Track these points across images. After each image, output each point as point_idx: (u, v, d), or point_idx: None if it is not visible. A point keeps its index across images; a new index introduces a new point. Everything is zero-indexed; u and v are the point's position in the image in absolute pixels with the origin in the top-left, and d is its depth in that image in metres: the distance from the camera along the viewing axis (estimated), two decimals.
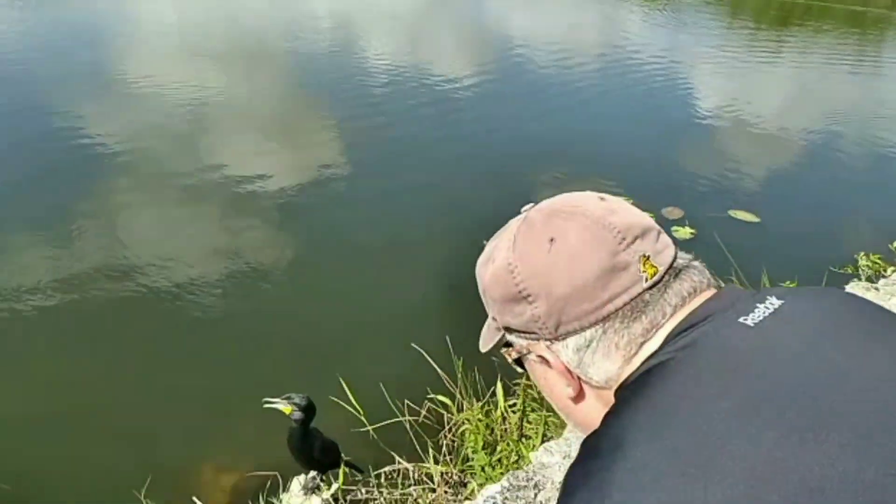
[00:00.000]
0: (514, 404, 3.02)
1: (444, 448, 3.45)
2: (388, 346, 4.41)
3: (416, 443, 3.46)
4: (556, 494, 1.62)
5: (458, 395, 3.61)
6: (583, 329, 0.90)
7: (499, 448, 2.83)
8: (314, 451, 3.01)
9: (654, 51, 12.26)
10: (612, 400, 0.90)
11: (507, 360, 1.02)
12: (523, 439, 2.74)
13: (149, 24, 13.20)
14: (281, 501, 3.21)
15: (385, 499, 3.14)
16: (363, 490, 3.28)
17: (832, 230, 6.43)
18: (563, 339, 0.92)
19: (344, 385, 3.41)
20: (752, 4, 19.25)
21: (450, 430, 3.60)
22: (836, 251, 5.73)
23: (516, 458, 2.63)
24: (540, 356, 0.94)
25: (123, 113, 8.22)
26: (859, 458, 0.72)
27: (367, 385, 3.73)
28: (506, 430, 2.93)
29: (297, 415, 2.93)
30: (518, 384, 3.09)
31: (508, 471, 2.06)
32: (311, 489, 3.18)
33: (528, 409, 2.90)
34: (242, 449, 3.81)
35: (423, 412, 3.70)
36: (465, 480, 3.20)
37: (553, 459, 1.68)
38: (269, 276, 5.39)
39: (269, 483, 3.29)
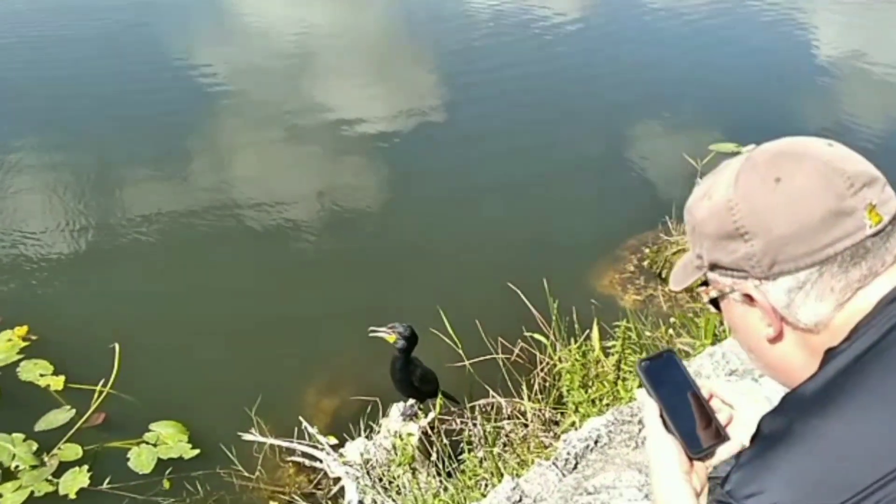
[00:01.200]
0: (612, 346, 3.04)
1: (535, 387, 3.52)
2: (485, 284, 4.48)
3: (508, 380, 3.54)
4: None
5: (552, 336, 3.65)
6: (798, 270, 0.91)
7: (594, 387, 2.87)
8: (414, 379, 3.14)
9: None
10: (819, 349, 0.92)
11: (703, 299, 1.04)
12: (620, 381, 2.77)
13: None
14: (381, 425, 3.38)
15: (479, 430, 3.25)
16: (458, 420, 3.41)
17: None
18: (775, 278, 0.92)
19: (444, 318, 3.49)
20: None
21: (542, 369, 3.66)
22: None
23: (611, 398, 2.67)
24: (746, 295, 0.95)
25: (230, 50, 8.44)
26: None
27: (464, 321, 3.80)
28: (602, 371, 2.96)
29: (401, 343, 3.05)
30: (618, 326, 3.10)
31: (606, 409, 2.11)
32: (410, 416, 3.33)
33: (627, 351, 2.92)
34: (346, 374, 4.00)
35: (517, 351, 3.77)
36: (556, 419, 3.27)
37: None
38: (375, 212, 5.53)
39: (369, 408, 3.46)
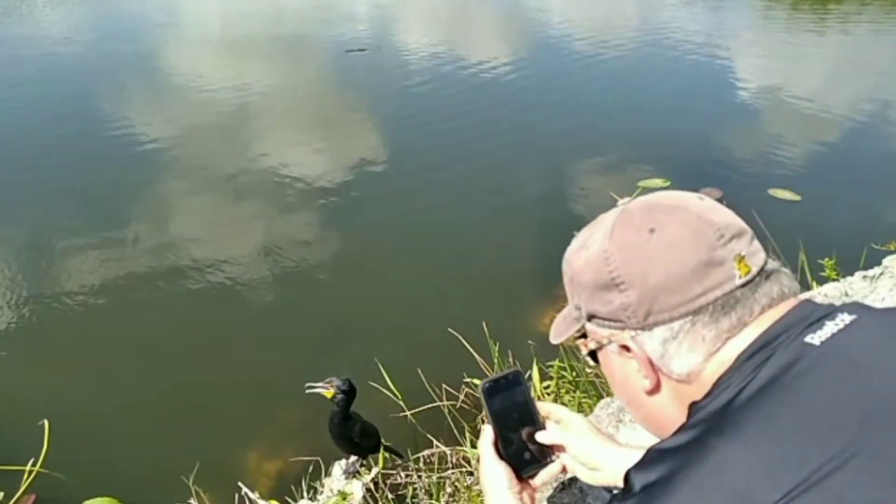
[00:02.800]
0: (548, 386, 3.04)
1: (468, 435, 3.48)
2: (425, 332, 4.46)
3: (454, 427, 3.50)
4: None
5: (478, 381, 3.63)
6: (672, 320, 0.92)
7: None
8: (354, 435, 3.07)
9: (690, 30, 12.05)
10: (688, 399, 0.92)
11: (581, 351, 1.05)
12: None
13: (192, 18, 13.46)
14: (323, 486, 3.29)
15: (424, 482, 3.19)
16: (402, 474, 3.34)
17: (876, 207, 6.28)
18: (651, 329, 0.93)
19: (382, 370, 3.46)
20: None
21: (482, 415, 3.63)
22: (879, 228, 5.60)
23: None
24: (622, 346, 0.96)
25: (169, 109, 8.42)
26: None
27: (404, 370, 3.77)
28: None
29: (339, 397, 2.99)
30: (552, 366, 3.11)
31: None
32: (352, 473, 3.25)
33: (563, 391, 2.92)
34: (286, 434, 3.91)
35: (462, 396, 3.74)
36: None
37: None
38: (309, 267, 5.50)
39: (311, 468, 3.38)
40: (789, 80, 9.57)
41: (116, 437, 4.10)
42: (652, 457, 0.86)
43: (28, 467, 3.79)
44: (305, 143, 7.58)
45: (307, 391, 3.04)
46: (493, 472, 1.24)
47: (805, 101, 8.76)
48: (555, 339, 1.11)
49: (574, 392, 2.89)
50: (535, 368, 3.42)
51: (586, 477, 1.30)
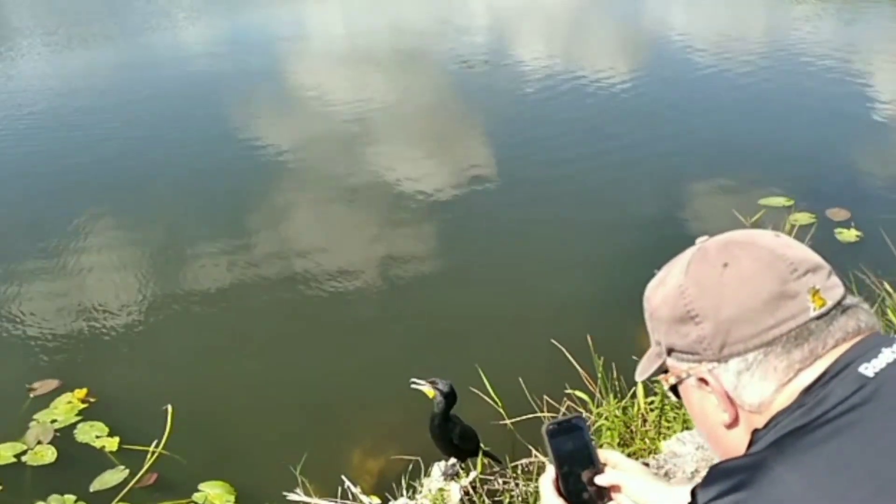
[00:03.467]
0: (653, 402, 2.99)
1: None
2: (529, 342, 4.47)
3: None
4: (685, 484, 1.61)
5: (598, 394, 3.60)
6: (746, 351, 0.95)
7: (636, 443, 2.81)
8: (453, 437, 3.12)
9: (824, 47, 11.45)
10: (757, 426, 0.95)
11: (664, 386, 1.09)
12: (659, 437, 2.71)
13: (316, 32, 14.07)
14: (422, 485, 3.35)
15: (521, 490, 3.20)
16: (500, 480, 3.36)
17: None
18: (726, 360, 0.96)
19: (483, 376, 3.49)
20: None
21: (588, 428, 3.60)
22: None
23: (647, 455, 2.61)
24: (700, 379, 1.00)
25: (290, 124, 8.82)
26: None
27: (506, 378, 3.79)
28: (642, 428, 2.90)
29: (439, 399, 3.05)
30: (657, 381, 3.04)
31: (639, 458, 2.07)
32: (451, 476, 3.30)
33: (668, 407, 2.86)
34: (389, 433, 4.01)
35: (563, 409, 3.72)
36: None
37: (685, 449, 1.68)
38: (419, 274, 5.63)
39: (411, 467, 3.45)
40: None
41: (232, 426, 4.33)
42: (714, 475, 0.90)
43: (151, 448, 4.11)
44: (420, 156, 7.75)
45: (411, 385, 3.12)
46: None
47: None
48: (640, 376, 1.14)
49: (679, 409, 2.82)
50: (640, 386, 3.37)
51: None
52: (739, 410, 0.97)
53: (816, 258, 0.99)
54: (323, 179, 7.31)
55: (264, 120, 8.88)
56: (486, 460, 3.38)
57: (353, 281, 5.53)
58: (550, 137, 7.95)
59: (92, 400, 4.44)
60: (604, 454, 1.39)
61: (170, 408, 4.26)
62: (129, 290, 5.65)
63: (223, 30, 14.44)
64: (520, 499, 3.15)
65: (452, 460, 3.32)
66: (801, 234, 4.91)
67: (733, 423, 0.98)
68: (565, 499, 1.33)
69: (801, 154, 7.30)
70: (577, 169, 7.18)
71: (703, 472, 1.63)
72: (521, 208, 6.51)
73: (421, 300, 5.29)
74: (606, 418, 3.18)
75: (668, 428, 2.73)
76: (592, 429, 2.80)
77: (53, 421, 4.28)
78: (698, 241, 1.06)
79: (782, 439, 0.89)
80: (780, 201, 5.98)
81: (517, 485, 3.24)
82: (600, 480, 1.32)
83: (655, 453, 1.99)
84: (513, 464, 3.36)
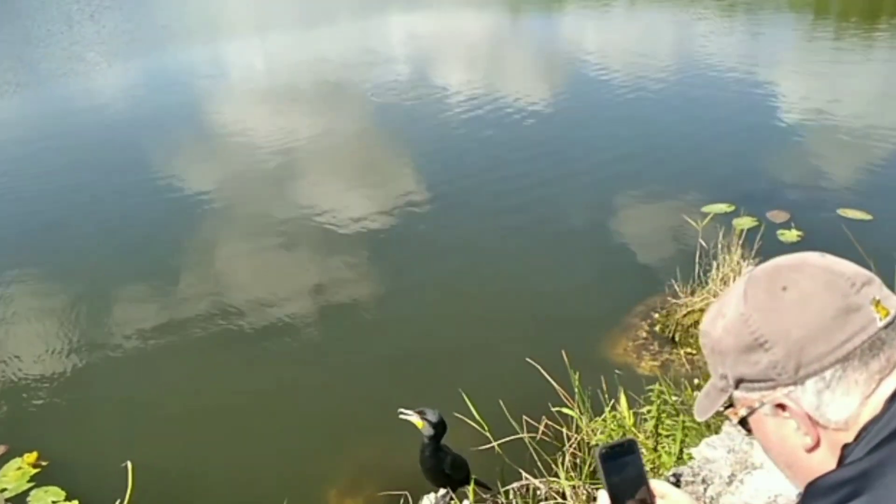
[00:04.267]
0: (647, 412, 2.98)
1: (566, 464, 3.42)
2: (503, 364, 4.43)
3: (537, 459, 3.44)
4: (724, 489, 1.60)
5: (577, 409, 3.58)
6: (823, 369, 0.94)
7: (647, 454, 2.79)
8: (445, 467, 3.05)
9: (733, 60, 11.96)
10: (841, 443, 0.95)
11: (732, 420, 1.06)
12: (659, 447, 2.70)
13: (235, 70, 13.86)
14: None
15: None
16: None
17: None
18: (803, 382, 0.95)
19: (467, 401, 3.42)
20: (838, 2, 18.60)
21: (571, 444, 3.56)
22: None
23: (650, 465, 2.59)
24: (777, 406, 0.98)
25: (212, 159, 8.62)
26: None
27: (485, 403, 3.73)
28: (644, 438, 2.89)
29: (428, 430, 2.98)
30: (652, 390, 3.05)
31: (664, 470, 2.04)
32: None
33: (664, 415, 2.86)
34: (372, 470, 3.90)
35: (542, 428, 3.69)
36: (595, 495, 3.16)
37: (717, 454, 1.66)
38: (387, 303, 5.53)
39: (401, 502, 3.34)
40: (840, 100, 9.43)
41: (199, 478, 4.13)
42: (816, 492, 0.91)
43: None
44: (355, 186, 7.66)
45: (400, 416, 3.03)
46: None
47: (859, 119, 8.61)
48: (701, 416, 1.12)
49: (676, 416, 2.83)
50: (622, 396, 3.37)
51: None
52: (821, 431, 0.97)
53: (866, 271, 1.00)
54: (252, 217, 7.12)
55: (186, 160, 8.65)
56: (476, 488, 3.31)
57: (313, 317, 5.40)
58: (485, 161, 8.01)
59: (43, 463, 4.17)
60: (652, 484, 1.37)
61: (129, 464, 4.01)
62: (63, 341, 5.38)
63: (141, 71, 14.09)
64: None
65: (443, 491, 3.24)
66: (749, 237, 5.07)
67: (815, 446, 0.98)
68: None
69: (731, 162, 7.57)
70: (514, 187, 7.25)
71: (740, 476, 1.63)
72: (466, 230, 6.51)
73: (385, 331, 5.20)
74: (597, 433, 3.15)
75: (668, 436, 2.73)
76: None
77: (3, 490, 3.99)
78: (745, 271, 1.08)
79: (882, 445, 0.89)
80: (722, 207, 6.17)
81: None
82: None
83: (656, 464, 1.96)
84: (504, 488, 3.29)
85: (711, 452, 1.65)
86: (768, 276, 1.00)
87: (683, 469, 1.63)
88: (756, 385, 0.99)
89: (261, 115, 10.44)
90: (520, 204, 6.88)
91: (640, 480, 1.39)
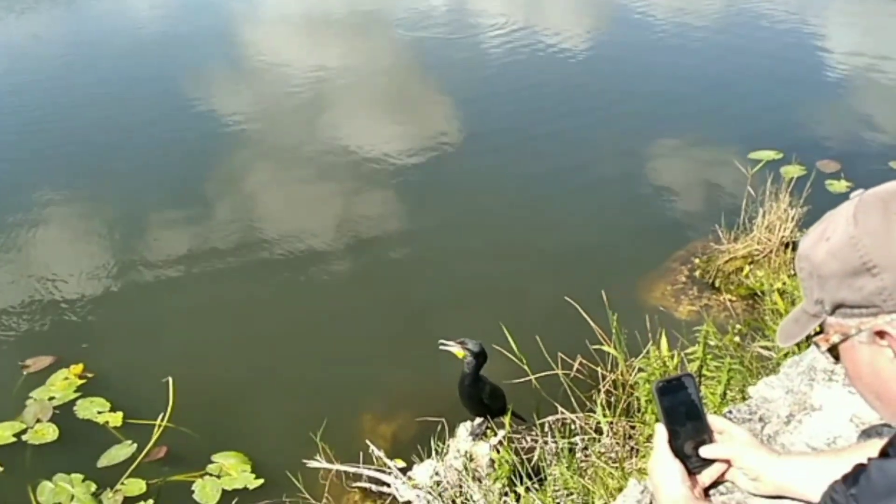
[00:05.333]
0: (692, 353, 2.98)
1: (601, 401, 3.45)
2: (541, 302, 4.45)
3: (571, 396, 3.47)
4: (782, 428, 1.60)
5: (613, 350, 3.60)
6: None
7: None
8: (484, 396, 3.10)
9: (781, 10, 11.46)
10: None
11: (820, 348, 1.04)
12: (703, 387, 2.71)
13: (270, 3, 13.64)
14: (448, 446, 3.32)
15: (551, 447, 3.19)
16: (528, 438, 3.34)
17: None
18: None
19: (507, 334, 3.44)
20: None
21: (606, 383, 3.59)
22: None
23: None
24: (877, 332, 0.95)
25: (248, 92, 8.53)
26: None
27: (520, 338, 3.74)
28: None
29: (469, 359, 3.01)
30: (698, 330, 3.03)
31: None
32: (479, 435, 3.27)
33: (709, 357, 2.86)
34: (409, 397, 3.97)
35: (576, 365, 3.71)
36: (629, 433, 3.20)
37: (775, 393, 1.66)
38: (425, 238, 5.51)
39: (439, 428, 3.41)
40: (884, 48, 9.04)
41: (237, 396, 4.22)
42: None
43: (157, 422, 4.00)
44: (402, 122, 7.56)
45: (440, 347, 3.06)
46: (669, 469, 1.32)
47: None
48: (786, 341, 1.10)
49: (721, 358, 2.82)
50: (663, 338, 3.37)
51: (747, 485, 1.37)
52: None
53: None
54: (284, 147, 7.05)
55: (219, 87, 8.57)
56: (512, 419, 3.35)
57: (360, 246, 5.42)
58: (522, 100, 7.82)
59: (89, 375, 4.30)
60: (710, 419, 1.40)
61: (170, 380, 4.14)
62: (107, 264, 5.45)
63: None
64: (550, 454, 3.13)
65: (479, 420, 3.29)
66: (797, 186, 4.95)
67: None
68: (678, 452, 1.35)
69: (780, 110, 7.34)
70: (554, 129, 7.07)
71: (798, 417, 1.62)
72: (504, 169, 6.41)
73: (424, 266, 5.19)
74: (638, 371, 3.17)
75: (713, 377, 2.73)
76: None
77: (51, 398, 4.13)
78: (853, 195, 1.02)
79: None
80: (769, 154, 6.02)
81: (546, 442, 3.23)
82: (705, 453, 1.36)
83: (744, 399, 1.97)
84: (540, 421, 3.34)
85: (770, 392, 1.64)
86: (881, 199, 0.97)
87: (741, 407, 1.63)
88: (856, 311, 0.96)
89: (294, 44, 10.28)
90: (559, 146, 6.75)
91: (697, 414, 1.39)
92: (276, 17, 11.93)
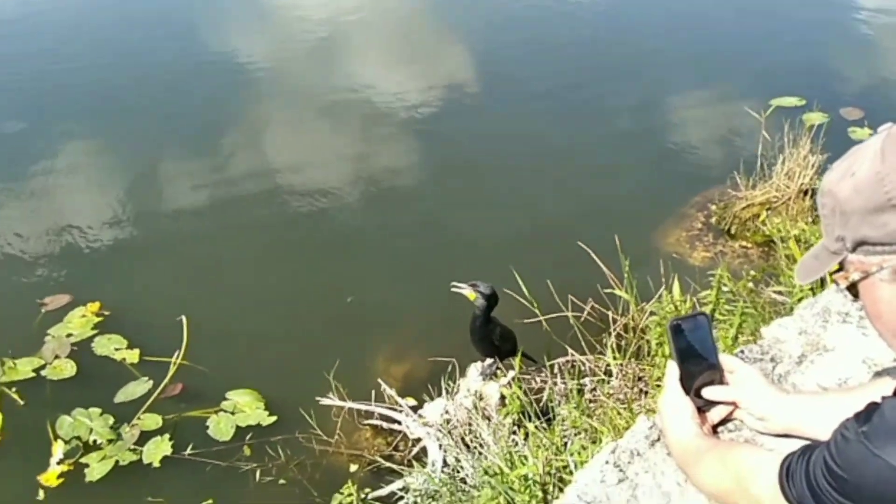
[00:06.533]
0: (705, 297, 2.97)
1: (611, 344, 3.46)
2: (552, 246, 4.43)
3: (581, 339, 3.49)
4: (793, 368, 1.59)
5: (624, 294, 3.59)
6: None
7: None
8: (494, 338, 3.12)
9: None
10: None
11: (839, 285, 1.03)
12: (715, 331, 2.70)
13: None
14: (458, 386, 3.36)
15: (560, 388, 3.21)
16: (538, 379, 3.37)
17: None
18: None
19: (518, 278, 3.44)
20: None
21: (616, 327, 3.60)
22: None
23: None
24: None
25: (261, 35, 8.37)
26: None
27: (532, 282, 3.74)
28: None
29: (480, 302, 3.02)
30: (713, 274, 3.02)
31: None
32: (489, 375, 3.30)
33: (722, 301, 2.85)
34: (421, 337, 4.00)
35: (587, 309, 3.72)
36: (640, 375, 3.21)
37: (788, 334, 1.65)
38: (432, 182, 5.45)
39: (449, 367, 3.44)
40: None
41: (251, 335, 4.26)
42: None
43: (173, 359, 4.06)
44: (415, 66, 7.40)
45: (452, 289, 3.07)
46: (678, 405, 1.35)
47: None
48: (805, 278, 1.08)
49: (735, 302, 2.81)
50: (675, 282, 3.35)
51: (755, 424, 1.38)
52: None
53: None
54: (299, 91, 6.95)
55: (232, 29, 8.43)
56: (522, 360, 3.38)
57: (365, 190, 5.38)
58: (539, 52, 7.61)
59: (106, 313, 4.34)
60: (722, 358, 1.42)
61: (184, 319, 4.19)
62: (121, 206, 5.45)
63: None
64: (559, 395, 3.16)
65: (489, 360, 3.32)
66: (816, 133, 4.86)
67: None
68: (688, 388, 1.37)
69: (803, 56, 7.13)
70: (569, 75, 6.89)
71: (811, 357, 1.61)
72: (519, 114, 6.28)
73: (435, 212, 5.14)
74: (651, 314, 3.17)
75: (725, 321, 2.73)
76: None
77: (69, 335, 4.19)
78: (881, 129, 0.99)
79: None
80: (791, 101, 5.88)
81: (555, 382, 3.26)
82: (709, 395, 1.38)
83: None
84: (550, 363, 3.36)
85: (782, 332, 1.63)
86: None
87: (752, 347, 1.62)
88: (879, 248, 0.94)
89: None
90: (575, 91, 6.59)
91: (710, 353, 1.39)
92: None
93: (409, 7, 9.15)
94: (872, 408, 0.92)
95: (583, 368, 3.34)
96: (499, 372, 3.35)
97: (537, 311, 3.42)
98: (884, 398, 0.92)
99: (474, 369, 3.34)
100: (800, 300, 2.39)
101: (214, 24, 8.50)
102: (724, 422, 1.42)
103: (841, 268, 1.02)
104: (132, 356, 4.09)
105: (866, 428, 0.90)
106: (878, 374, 1.42)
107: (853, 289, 1.01)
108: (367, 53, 7.78)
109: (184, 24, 8.60)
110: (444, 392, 3.32)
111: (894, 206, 0.91)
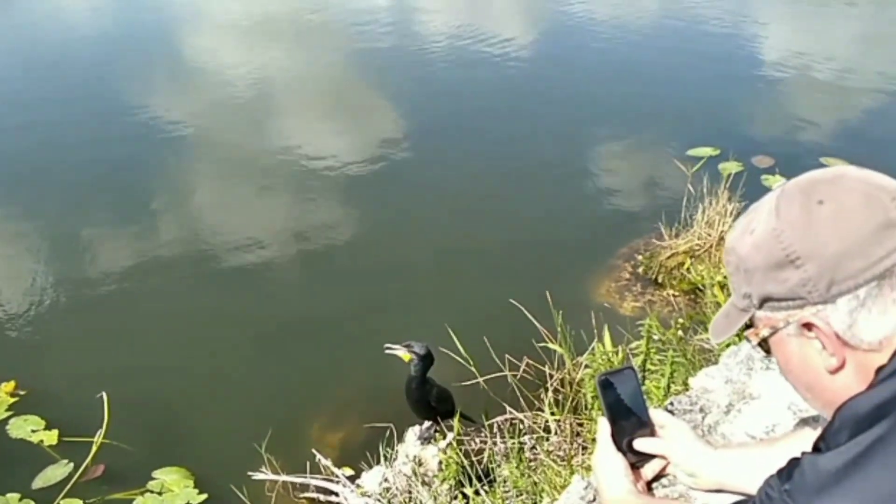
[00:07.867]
0: (636, 347, 3.00)
1: (549, 399, 3.45)
2: (485, 304, 4.42)
3: (519, 396, 3.47)
4: (722, 418, 1.60)
5: (559, 348, 3.60)
6: (857, 287, 0.90)
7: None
8: (431, 399, 3.07)
9: (714, 11, 11.71)
10: (874, 366, 0.90)
11: (751, 342, 1.03)
12: (647, 381, 2.73)
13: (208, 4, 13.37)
14: (397, 452, 3.27)
15: (500, 447, 3.17)
16: (477, 440, 3.32)
17: None
18: (834, 301, 0.91)
19: (453, 336, 3.42)
20: None
21: (553, 382, 3.60)
22: None
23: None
24: (803, 325, 0.94)
25: (189, 96, 8.31)
26: None
27: (467, 341, 3.72)
28: None
29: (416, 362, 2.98)
30: (642, 324, 3.05)
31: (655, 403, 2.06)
32: (427, 439, 3.24)
33: (653, 351, 2.88)
34: (356, 403, 3.90)
35: (523, 366, 3.71)
36: (577, 430, 3.20)
37: (714, 383, 1.67)
38: (371, 241, 5.42)
39: (387, 433, 3.35)
40: (823, 48, 9.32)
41: (176, 409, 4.10)
42: (851, 412, 0.88)
43: (94, 439, 3.85)
44: (341, 125, 7.46)
45: (386, 351, 3.02)
46: (611, 463, 1.33)
47: (841, 67, 8.54)
48: (718, 337, 1.08)
49: (665, 352, 2.85)
50: (606, 334, 3.38)
51: (686, 480, 1.38)
52: (849, 352, 0.93)
53: None
54: (228, 152, 6.88)
55: (158, 90, 8.33)
56: (460, 421, 3.33)
57: (296, 252, 5.31)
58: (463, 103, 7.78)
59: (21, 392, 4.12)
60: (652, 413, 1.41)
61: (105, 395, 4.00)
62: (36, 279, 5.23)
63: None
64: (500, 455, 3.12)
65: (427, 423, 3.26)
66: (735, 181, 5.07)
67: (839, 367, 0.94)
68: (622, 453, 1.37)
69: (716, 107, 7.47)
70: (495, 131, 7.05)
71: (738, 406, 1.64)
72: (448, 172, 6.36)
73: (368, 271, 5.09)
74: (582, 369, 3.18)
75: (656, 371, 2.75)
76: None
77: None
78: (775, 186, 1.02)
79: None
80: (707, 151, 6.13)
81: (495, 442, 3.21)
82: (640, 446, 1.37)
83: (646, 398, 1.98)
84: (489, 422, 3.31)
85: (709, 382, 1.66)
86: (803, 189, 0.95)
87: (682, 398, 1.64)
88: (783, 304, 0.95)
89: (235, 45, 10.06)
90: (501, 147, 6.73)
91: (640, 408, 1.39)
92: (217, 20, 11.68)
93: (333, 66, 9.24)
94: (794, 464, 0.92)
95: (522, 426, 3.31)
96: (437, 435, 3.29)
97: (474, 370, 3.38)
98: (803, 454, 0.92)
99: (412, 433, 3.28)
100: (727, 346, 2.45)
101: (139, 86, 8.38)
102: (657, 477, 1.41)
103: (751, 324, 1.02)
104: (50, 437, 3.87)
105: (788, 486, 0.90)
106: (801, 422, 1.45)
107: (764, 345, 1.02)
108: (292, 113, 7.78)
109: (106, 84, 8.46)
110: (382, 459, 3.23)
111: (792, 262, 0.92)
